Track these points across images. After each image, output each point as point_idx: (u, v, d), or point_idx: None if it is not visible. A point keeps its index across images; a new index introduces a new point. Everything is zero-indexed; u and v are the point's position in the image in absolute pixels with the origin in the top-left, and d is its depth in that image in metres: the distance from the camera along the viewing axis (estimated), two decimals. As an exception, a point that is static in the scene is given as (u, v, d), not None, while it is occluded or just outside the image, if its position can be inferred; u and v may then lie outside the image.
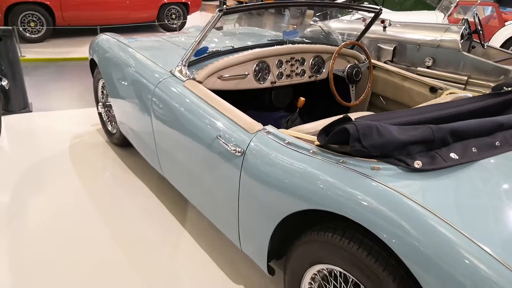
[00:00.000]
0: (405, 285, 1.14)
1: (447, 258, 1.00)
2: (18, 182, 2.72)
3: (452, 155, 1.24)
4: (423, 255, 1.04)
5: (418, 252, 1.04)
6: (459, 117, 1.46)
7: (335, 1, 7.94)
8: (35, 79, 4.95)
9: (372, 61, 2.65)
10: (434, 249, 1.02)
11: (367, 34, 4.85)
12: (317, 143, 1.42)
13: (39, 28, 6.61)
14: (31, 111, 3.93)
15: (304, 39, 2.90)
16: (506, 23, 6.21)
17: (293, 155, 1.43)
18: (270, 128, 1.61)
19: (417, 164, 1.21)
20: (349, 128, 1.25)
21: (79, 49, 6.46)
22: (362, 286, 1.27)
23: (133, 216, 2.44)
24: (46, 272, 1.97)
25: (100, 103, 3.23)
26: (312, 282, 1.50)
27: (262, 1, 10.28)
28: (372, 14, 2.61)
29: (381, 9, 2.52)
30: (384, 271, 1.16)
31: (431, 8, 7.88)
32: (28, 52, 5.98)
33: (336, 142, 1.34)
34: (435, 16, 6.56)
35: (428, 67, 4.43)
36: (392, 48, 4.65)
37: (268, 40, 2.70)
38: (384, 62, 4.53)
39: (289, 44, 2.49)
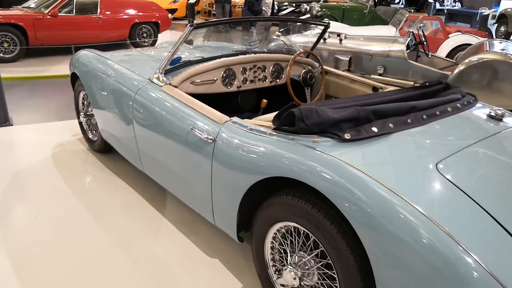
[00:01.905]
0: (344, 230, 1.47)
1: (364, 196, 1.37)
2: (3, 189, 2.94)
3: (373, 128, 1.63)
4: (348, 198, 1.40)
5: (345, 196, 1.40)
6: (383, 103, 1.86)
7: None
8: (12, 96, 5.12)
9: (324, 67, 3.07)
10: (354, 191, 1.39)
11: (325, 46, 5.35)
12: (273, 126, 1.79)
13: (13, 48, 6.77)
14: (11, 125, 4.13)
15: (265, 50, 3.30)
16: (450, 36, 6.88)
17: (254, 138, 1.79)
18: (235, 118, 1.97)
19: (347, 136, 1.59)
20: (294, 112, 1.63)
21: (53, 68, 6.64)
22: (311, 235, 1.62)
23: (116, 211, 2.71)
24: (35, 269, 2.22)
25: (81, 113, 3.49)
26: (273, 241, 1.84)
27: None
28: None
29: (329, 23, 2.95)
30: (324, 217, 1.52)
31: (385, 23, 8.56)
32: (1, 72, 6.13)
33: (286, 124, 1.70)
34: (388, 30, 7.18)
35: (380, 75, 4.93)
36: (348, 59, 5.13)
37: (233, 50, 3.08)
38: (342, 71, 5.01)
39: (251, 54, 2.87)
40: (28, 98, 5.16)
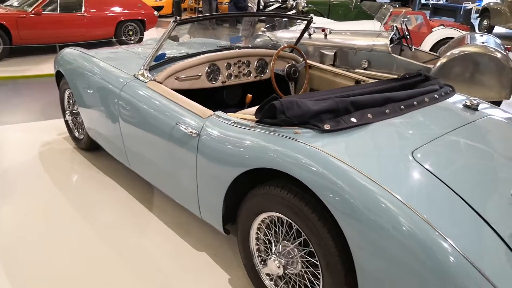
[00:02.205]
0: (325, 218, 1.52)
1: (344, 187, 1.41)
2: (-7, 185, 2.93)
3: (352, 119, 1.68)
4: (329, 187, 1.44)
5: (326, 185, 1.45)
6: (362, 95, 1.91)
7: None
8: (-4, 96, 5.09)
9: (308, 61, 3.12)
10: (334, 181, 1.43)
11: (311, 42, 5.40)
12: (255, 119, 1.82)
13: (-4, 48, 6.69)
14: (-4, 125, 4.10)
15: (249, 45, 3.33)
16: (433, 30, 6.98)
17: (237, 131, 1.82)
18: (219, 113, 2.00)
19: (327, 126, 1.63)
20: (275, 104, 1.66)
21: (38, 67, 6.58)
22: (294, 224, 1.67)
23: (103, 208, 2.73)
24: (23, 267, 2.23)
25: (67, 111, 3.49)
26: (258, 231, 1.88)
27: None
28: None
29: (312, 18, 3.00)
30: (306, 206, 1.56)
31: (371, 18, 8.64)
32: (-14, 71, 6.06)
33: (268, 116, 1.74)
34: (373, 25, 7.25)
35: (364, 69, 4.99)
36: (333, 53, 5.19)
37: (217, 46, 3.11)
38: (328, 65, 5.07)
39: (235, 49, 2.90)
40: (13, 98, 5.11)
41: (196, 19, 2.47)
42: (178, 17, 2.14)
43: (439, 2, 18.57)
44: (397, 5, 10.36)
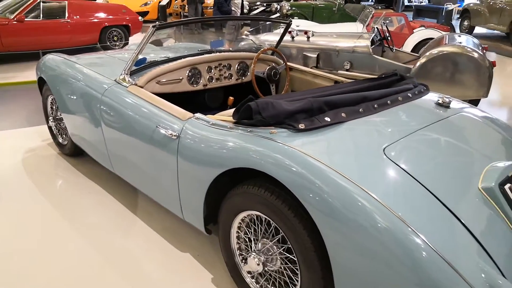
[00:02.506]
0: (301, 214, 1.56)
1: (320, 184, 1.46)
2: (-24, 193, 2.92)
3: (326, 118, 1.73)
4: (303, 184, 1.49)
5: (300, 182, 1.49)
6: (338, 94, 1.96)
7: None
8: (-21, 104, 5.05)
9: (288, 63, 3.18)
10: (309, 178, 1.48)
11: (294, 44, 5.47)
12: (233, 120, 1.87)
13: (-22, 55, 6.63)
14: (-21, 132, 4.08)
15: (230, 49, 3.38)
16: (414, 31, 7.12)
17: (215, 132, 1.86)
18: (198, 115, 2.04)
19: (301, 126, 1.68)
20: (251, 105, 1.71)
21: (22, 74, 6.54)
22: (272, 222, 1.71)
23: (88, 212, 2.74)
24: (10, 271, 2.24)
25: (50, 118, 3.49)
26: (239, 230, 1.92)
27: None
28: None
29: (291, 21, 3.05)
30: (282, 204, 1.60)
31: (354, 20, 8.76)
32: (-32, 79, 6.01)
33: (245, 117, 1.79)
34: (356, 27, 7.36)
35: (347, 70, 5.07)
36: (316, 56, 5.26)
37: (198, 50, 3.15)
38: (311, 68, 5.14)
39: (216, 53, 2.95)
40: (-4, 105, 5.08)
41: (174, 24, 2.51)
42: (157, 22, 2.17)
43: (421, 4, 18.89)
44: (379, 7, 10.51)
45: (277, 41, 3.33)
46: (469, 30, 11.90)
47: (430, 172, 1.60)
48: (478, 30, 12.54)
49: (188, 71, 2.73)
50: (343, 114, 1.78)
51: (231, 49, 3.33)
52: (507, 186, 1.59)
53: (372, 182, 1.45)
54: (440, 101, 2.14)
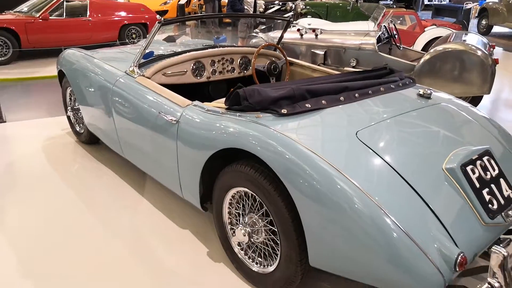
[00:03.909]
0: (280, 189, 1.75)
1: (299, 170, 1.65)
2: None
3: (307, 105, 1.92)
4: (282, 162, 1.68)
5: (280, 160, 1.68)
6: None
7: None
8: (5, 96, 5.40)
9: (289, 58, 3.36)
10: (287, 156, 1.67)
11: (303, 42, 5.64)
12: (225, 106, 2.07)
13: (5, 51, 7.04)
14: (5, 122, 4.41)
15: (234, 44, 3.58)
16: (425, 29, 7.17)
17: (209, 117, 2.07)
18: (196, 102, 2.25)
19: (284, 111, 1.87)
20: (239, 92, 1.91)
21: (45, 69, 6.92)
22: (256, 197, 1.90)
23: (100, 193, 2.99)
24: (28, 245, 2.50)
25: (68, 108, 3.77)
26: (230, 206, 2.12)
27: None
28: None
29: (291, 18, 3.24)
30: (264, 179, 1.79)
31: (368, 18, 8.83)
32: (-4, 74, 6.41)
33: (234, 103, 1.99)
34: (367, 25, 7.45)
35: (353, 67, 5.21)
36: (323, 53, 5.42)
37: (203, 45, 3.37)
38: (318, 65, 5.30)
39: (220, 47, 3.16)
40: (21, 98, 5.44)
41: (179, 20, 2.73)
42: (162, 18, 2.39)
43: (441, 3, 18.67)
44: (394, 6, 10.52)
45: (279, 38, 3.52)
46: (487, 29, 11.78)
47: (399, 154, 1.77)
48: (497, 29, 12.39)
49: (192, 64, 2.95)
50: (323, 102, 1.96)
51: (234, 44, 3.54)
52: (469, 168, 1.75)
53: (335, 157, 1.64)
54: (421, 92, 2.29)
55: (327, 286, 2.07)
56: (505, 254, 1.48)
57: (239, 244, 2.12)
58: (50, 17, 7.34)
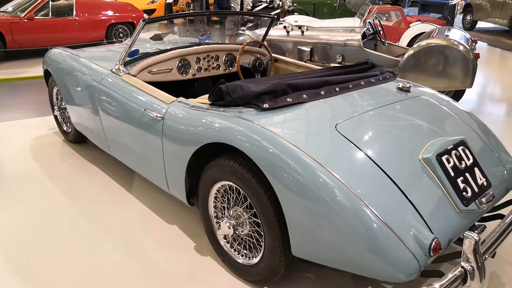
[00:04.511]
0: (263, 182, 1.79)
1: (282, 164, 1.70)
2: (-12, 174, 3.22)
3: (288, 99, 1.97)
4: (265, 156, 1.72)
5: (262, 154, 1.73)
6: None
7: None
8: (-9, 97, 5.38)
9: (273, 55, 3.41)
10: (270, 149, 1.71)
11: (289, 39, 5.70)
12: (209, 102, 2.11)
13: (-10, 52, 6.98)
14: (-9, 122, 4.39)
15: (219, 42, 3.61)
16: (410, 25, 7.27)
17: (193, 113, 2.11)
18: (181, 98, 2.29)
19: (265, 105, 1.92)
20: (222, 87, 1.96)
21: (32, 69, 6.86)
22: (241, 190, 1.94)
23: (88, 191, 3.01)
24: (15, 241, 2.52)
25: (55, 107, 3.78)
26: (215, 200, 2.16)
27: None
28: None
29: (275, 16, 3.28)
30: (247, 172, 1.84)
31: (354, 15, 8.92)
32: (-19, 75, 6.35)
33: (218, 99, 2.03)
34: (353, 22, 7.53)
35: (339, 63, 5.28)
36: (309, 49, 5.48)
37: (188, 43, 3.40)
38: (304, 61, 5.36)
39: (205, 45, 3.19)
40: (7, 98, 5.41)
41: (163, 18, 2.76)
42: (147, 16, 2.42)
43: (428, -1, 18.86)
44: (380, 2, 10.62)
45: (263, 34, 3.56)
46: (472, 25, 11.95)
47: (378, 146, 1.82)
48: (482, 24, 12.58)
49: (178, 62, 2.98)
50: (304, 96, 2.02)
51: (219, 41, 3.57)
52: (444, 157, 1.81)
53: (317, 150, 1.69)
54: (400, 86, 2.35)
55: (310, 277, 2.13)
56: (477, 238, 1.54)
57: (225, 237, 2.16)
58: (35, 17, 7.29)
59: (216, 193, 2.14)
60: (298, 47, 5.60)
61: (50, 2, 7.54)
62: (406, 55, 4.72)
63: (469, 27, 11.96)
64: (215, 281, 2.11)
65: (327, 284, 2.08)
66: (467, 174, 1.84)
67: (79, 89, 3.08)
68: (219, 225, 2.14)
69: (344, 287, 2.05)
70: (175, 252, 2.34)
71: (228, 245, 2.16)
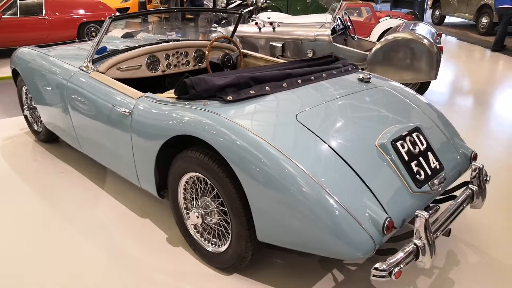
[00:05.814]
0: (229, 171, 1.86)
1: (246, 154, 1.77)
2: (-44, 176, 3.18)
3: (251, 91, 2.04)
4: (228, 145, 1.79)
5: (226, 144, 1.80)
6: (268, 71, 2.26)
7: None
8: (-41, 99, 5.26)
9: (242, 50, 3.47)
10: (233, 139, 1.78)
11: (261, 35, 5.77)
12: (175, 96, 2.16)
13: (-43, 53, 6.80)
14: (-41, 124, 4.31)
15: (189, 38, 3.66)
16: (380, 20, 7.46)
17: (159, 107, 2.16)
18: (148, 94, 2.33)
19: (229, 97, 1.99)
20: (186, 81, 2.01)
21: (0, 70, 6.74)
22: (208, 180, 2.01)
23: (60, 189, 3.02)
24: (-10, 228, 2.51)
25: (25, 107, 3.74)
26: (185, 192, 2.22)
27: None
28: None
29: (242, 11, 3.35)
30: (213, 163, 1.91)
31: (326, 11, 9.08)
32: None
33: (183, 92, 2.09)
34: (325, 18, 7.68)
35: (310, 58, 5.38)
36: (281, 45, 5.57)
37: (157, 40, 3.43)
38: (277, 57, 5.45)
39: (173, 42, 3.23)
40: (-25, 100, 5.30)
41: (129, 15, 2.80)
42: (113, 14, 2.45)
43: (399, -5, 19.27)
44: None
45: (232, 30, 3.63)
46: (441, 19, 12.30)
47: (337, 134, 1.92)
48: (451, 19, 12.97)
49: (146, 59, 3.02)
50: (267, 88, 2.09)
51: (189, 38, 3.62)
52: (399, 143, 1.92)
53: (280, 141, 1.76)
54: (361, 77, 2.46)
55: (279, 262, 2.21)
56: (427, 217, 1.65)
57: (195, 227, 2.22)
58: (3, 16, 7.14)
59: (185, 185, 2.19)
60: (270, 43, 5.68)
61: (18, 1, 7.39)
62: (373, 49, 4.87)
63: (438, 21, 12.32)
64: (186, 271, 2.17)
65: (295, 268, 2.17)
66: (420, 158, 1.95)
67: (48, 87, 3.08)
68: (189, 216, 2.20)
69: (311, 270, 2.15)
70: (148, 245, 2.39)
71: (198, 234, 2.22)
